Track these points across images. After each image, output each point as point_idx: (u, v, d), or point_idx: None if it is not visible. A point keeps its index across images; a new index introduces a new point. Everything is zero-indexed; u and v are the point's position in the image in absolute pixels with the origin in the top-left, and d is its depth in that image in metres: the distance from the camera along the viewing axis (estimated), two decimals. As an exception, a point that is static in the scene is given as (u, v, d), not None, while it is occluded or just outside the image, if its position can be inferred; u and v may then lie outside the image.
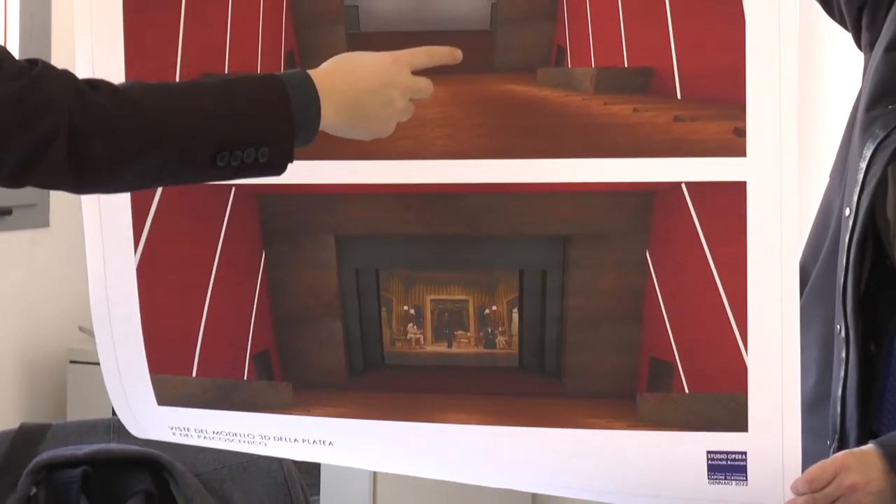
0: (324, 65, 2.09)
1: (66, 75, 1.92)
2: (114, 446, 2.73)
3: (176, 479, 2.94)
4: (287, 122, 2.00)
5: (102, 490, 3.01)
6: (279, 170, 2.00)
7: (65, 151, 1.88)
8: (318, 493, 3.74)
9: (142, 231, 2.38)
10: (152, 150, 1.95)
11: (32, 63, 1.92)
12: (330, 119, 2.04)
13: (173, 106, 1.98)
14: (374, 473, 3.77)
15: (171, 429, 2.50)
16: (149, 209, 2.35)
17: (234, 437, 2.49)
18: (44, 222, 4.06)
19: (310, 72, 2.05)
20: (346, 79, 2.10)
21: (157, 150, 1.96)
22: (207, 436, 2.49)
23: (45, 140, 1.87)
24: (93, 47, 2.34)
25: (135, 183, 2.06)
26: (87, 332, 2.63)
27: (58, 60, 3.10)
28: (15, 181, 1.93)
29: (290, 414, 2.42)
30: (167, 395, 2.46)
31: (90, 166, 1.92)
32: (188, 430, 2.51)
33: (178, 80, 2.30)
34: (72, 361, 3.96)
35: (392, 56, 2.13)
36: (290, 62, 2.33)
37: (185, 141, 1.96)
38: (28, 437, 3.11)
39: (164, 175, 2.04)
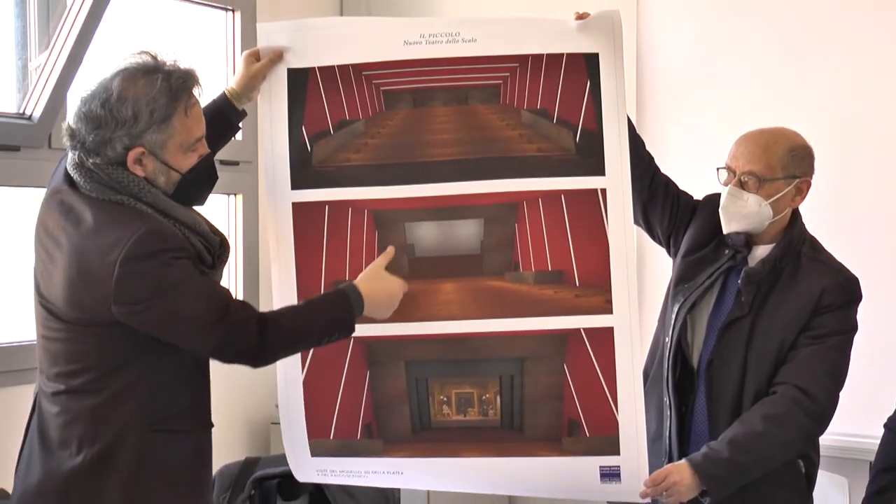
0: (358, 278, 2.39)
1: (253, 308, 2.26)
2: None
3: (326, 484, 3.16)
4: (351, 316, 2.32)
5: (288, 492, 3.35)
6: (347, 337, 2.33)
7: (256, 340, 2.22)
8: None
9: (305, 362, 2.57)
10: (298, 338, 2.31)
11: (243, 301, 2.29)
12: (367, 308, 2.35)
13: (305, 318, 2.30)
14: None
15: (318, 471, 2.66)
16: (309, 350, 2.57)
17: (351, 472, 2.61)
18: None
19: (355, 283, 2.36)
20: (371, 285, 2.36)
21: (301, 338, 2.31)
22: (336, 474, 2.62)
23: (247, 335, 2.21)
24: (280, 266, 2.57)
25: (286, 356, 2.39)
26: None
27: (263, 273, 3.36)
28: (228, 360, 2.23)
29: (381, 457, 2.60)
30: (316, 450, 2.61)
31: (267, 349, 2.25)
32: (327, 470, 2.64)
33: (323, 280, 2.52)
34: (272, 423, 3.84)
35: (395, 280, 2.41)
36: None
37: (312, 335, 2.30)
38: (249, 463, 3.45)
39: (301, 349, 2.42)
